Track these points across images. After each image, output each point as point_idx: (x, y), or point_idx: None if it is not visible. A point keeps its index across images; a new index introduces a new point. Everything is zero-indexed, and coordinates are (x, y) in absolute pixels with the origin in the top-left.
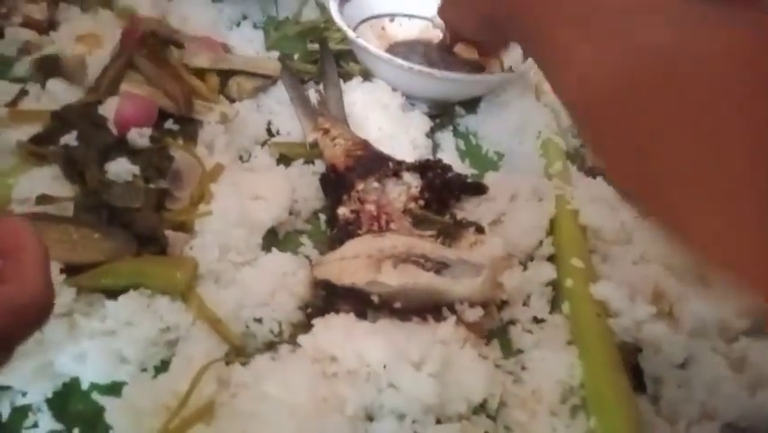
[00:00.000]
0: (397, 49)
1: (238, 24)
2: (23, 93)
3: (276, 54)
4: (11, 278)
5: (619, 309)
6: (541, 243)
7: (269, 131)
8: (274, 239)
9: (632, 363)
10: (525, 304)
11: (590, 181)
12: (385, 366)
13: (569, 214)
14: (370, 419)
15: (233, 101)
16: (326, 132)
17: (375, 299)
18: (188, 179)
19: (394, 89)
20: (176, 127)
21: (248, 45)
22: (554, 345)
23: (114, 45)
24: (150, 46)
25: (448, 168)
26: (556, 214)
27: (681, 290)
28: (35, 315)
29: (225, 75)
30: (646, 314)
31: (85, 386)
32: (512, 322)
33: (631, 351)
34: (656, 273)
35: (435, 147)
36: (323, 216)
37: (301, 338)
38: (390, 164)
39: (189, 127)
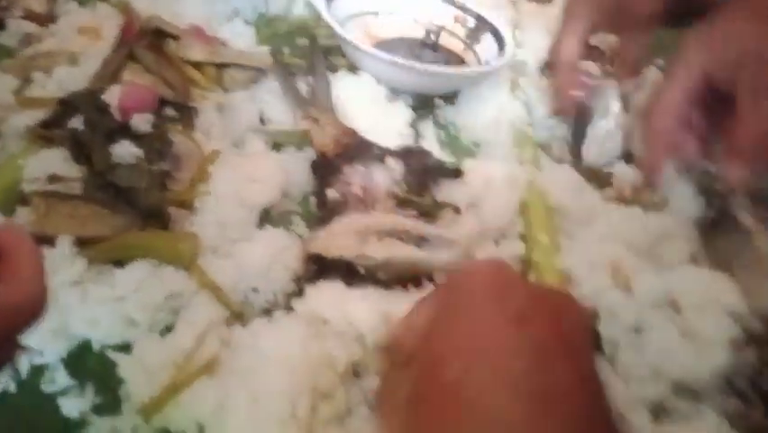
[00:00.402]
0: (382, 44)
1: (230, 20)
2: (28, 80)
3: (267, 49)
4: (8, 279)
5: (579, 279)
6: (512, 222)
7: (261, 120)
8: (268, 218)
9: (591, 328)
10: None
11: (559, 168)
12: (371, 329)
13: (538, 196)
14: (358, 375)
15: (227, 91)
16: (316, 121)
17: (361, 270)
18: (187, 162)
19: (379, 82)
20: (175, 114)
21: (239, 40)
22: None
23: (113, 37)
24: (150, 38)
25: (428, 154)
26: (526, 196)
27: (638, 267)
28: (30, 313)
29: (219, 67)
30: (604, 284)
31: (97, 347)
32: None
33: (590, 317)
34: (615, 250)
35: (417, 137)
36: (313, 199)
37: (295, 303)
38: (375, 151)
39: (187, 115)
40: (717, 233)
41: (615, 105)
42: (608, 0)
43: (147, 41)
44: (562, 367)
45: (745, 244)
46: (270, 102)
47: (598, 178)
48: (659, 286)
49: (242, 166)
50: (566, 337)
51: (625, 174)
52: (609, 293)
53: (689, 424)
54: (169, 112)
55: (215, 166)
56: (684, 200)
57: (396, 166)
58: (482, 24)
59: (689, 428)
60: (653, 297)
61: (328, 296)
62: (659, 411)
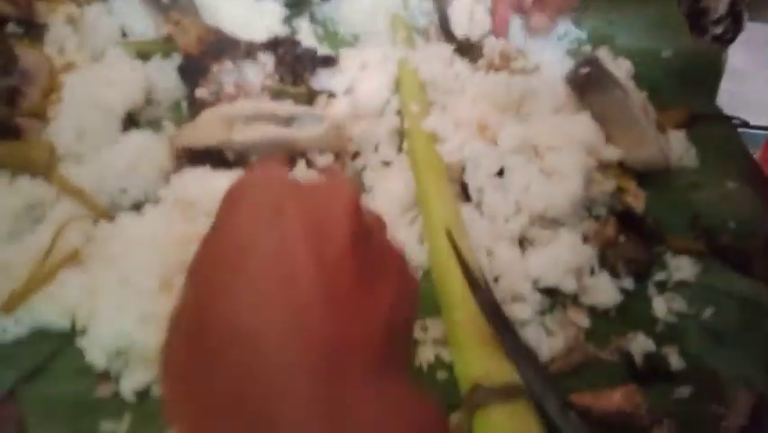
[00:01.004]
0: None
1: None
2: None
3: None
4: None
5: (445, 136)
6: (388, 100)
7: (124, 34)
8: (135, 125)
9: (459, 181)
10: (375, 151)
11: (431, 45)
12: None
13: (411, 71)
14: None
15: (80, 5)
16: (178, 23)
17: (230, 155)
18: (38, 76)
19: None
20: (19, 30)
21: None
22: (398, 177)
23: None
24: None
25: (298, 44)
26: (399, 72)
27: (503, 122)
28: None
29: None
30: (468, 136)
31: None
32: (364, 168)
33: (457, 170)
34: (482, 111)
35: (293, 34)
36: (184, 103)
37: (161, 191)
38: (243, 46)
39: (34, 30)
40: (591, 89)
41: None
42: None
43: None
44: (303, 257)
45: (619, 99)
46: (130, 14)
47: (469, 51)
48: (520, 135)
49: (97, 73)
50: (317, 228)
51: (494, 44)
52: (473, 144)
53: (549, 247)
54: (13, 29)
55: (69, 76)
56: (553, 63)
57: (267, 59)
58: None
59: (549, 250)
60: (515, 144)
61: (194, 181)
62: (523, 242)
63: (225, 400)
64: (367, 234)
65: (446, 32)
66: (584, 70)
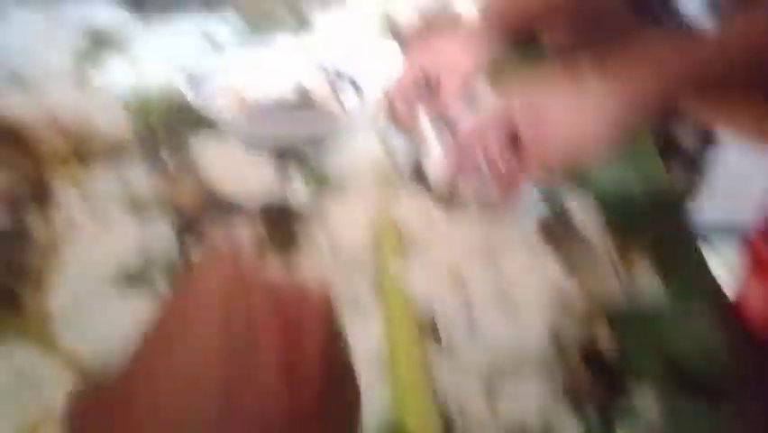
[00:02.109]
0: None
1: None
2: None
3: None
4: None
5: (421, 295)
6: (367, 250)
7: (127, 190)
8: (129, 282)
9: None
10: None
11: (412, 198)
12: None
13: (390, 224)
14: None
15: (85, 163)
16: (176, 183)
17: None
18: (44, 247)
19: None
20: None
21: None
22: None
23: None
24: None
25: (288, 208)
26: (378, 226)
27: (473, 267)
28: None
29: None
30: (439, 283)
31: None
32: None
33: (429, 313)
34: (455, 257)
35: (284, 180)
36: (179, 261)
37: None
38: (236, 209)
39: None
40: (560, 237)
41: (431, 134)
42: None
43: None
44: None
45: (585, 247)
46: (133, 171)
47: (449, 201)
48: (491, 281)
49: (97, 237)
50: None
51: (471, 192)
52: (443, 293)
53: (517, 391)
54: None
55: (70, 241)
56: (530, 207)
57: (258, 222)
58: (342, 75)
59: (517, 393)
60: (486, 291)
61: None
62: (492, 386)
63: None
64: (338, 336)
65: (422, 182)
66: (553, 222)
